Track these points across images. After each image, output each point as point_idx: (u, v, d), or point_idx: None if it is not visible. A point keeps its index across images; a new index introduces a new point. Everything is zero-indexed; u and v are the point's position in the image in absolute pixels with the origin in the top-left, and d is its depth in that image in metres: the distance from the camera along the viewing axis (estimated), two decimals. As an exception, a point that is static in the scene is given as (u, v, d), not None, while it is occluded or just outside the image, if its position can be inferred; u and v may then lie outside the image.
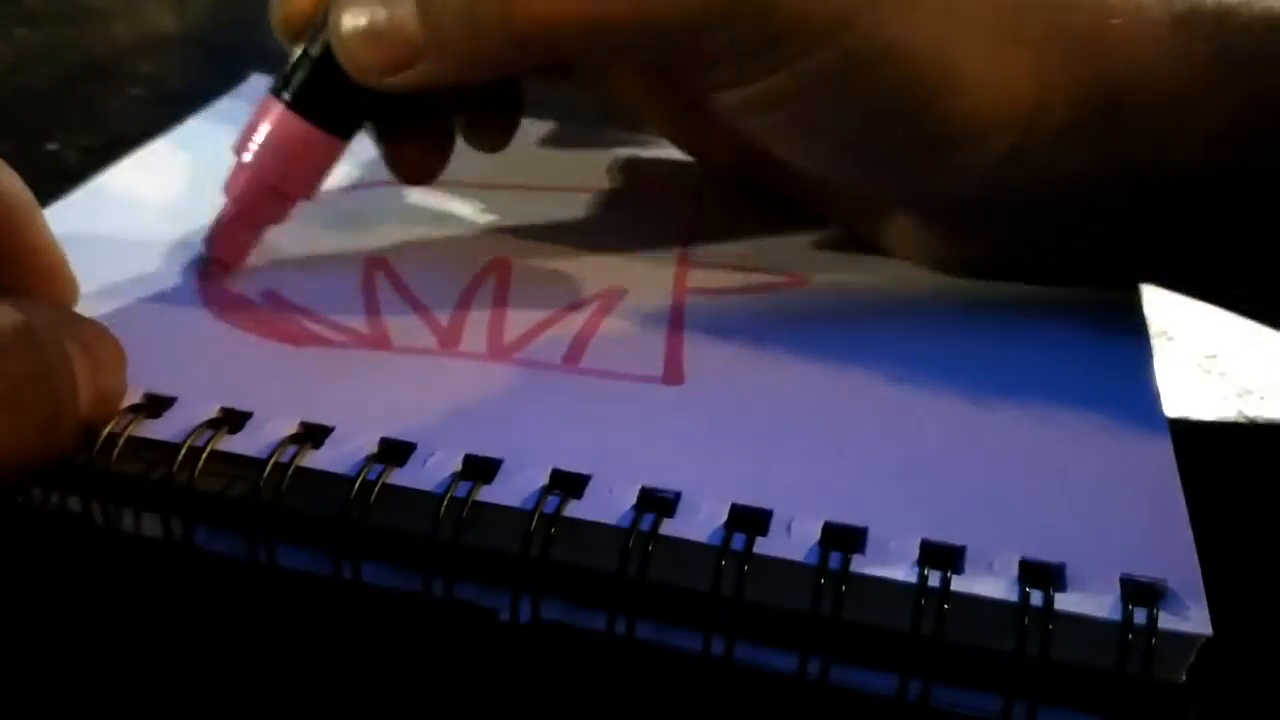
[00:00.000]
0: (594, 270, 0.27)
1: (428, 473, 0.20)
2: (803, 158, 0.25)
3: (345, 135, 0.25)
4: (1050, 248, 0.26)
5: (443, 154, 0.27)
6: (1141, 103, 0.22)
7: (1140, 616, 0.18)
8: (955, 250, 0.27)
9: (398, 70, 0.22)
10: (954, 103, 0.22)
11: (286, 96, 0.24)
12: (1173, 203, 0.23)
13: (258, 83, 0.37)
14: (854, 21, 0.21)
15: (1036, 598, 0.18)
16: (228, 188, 0.25)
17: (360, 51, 0.23)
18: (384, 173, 0.32)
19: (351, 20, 0.22)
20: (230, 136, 0.33)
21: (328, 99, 0.24)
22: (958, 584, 0.18)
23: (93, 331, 0.21)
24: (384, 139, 0.27)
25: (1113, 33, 0.22)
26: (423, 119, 0.27)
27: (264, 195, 0.25)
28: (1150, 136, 0.22)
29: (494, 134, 0.28)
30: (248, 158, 0.25)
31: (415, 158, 0.27)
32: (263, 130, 0.24)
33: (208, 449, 0.20)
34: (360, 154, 0.33)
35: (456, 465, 0.20)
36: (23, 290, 0.22)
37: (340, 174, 0.31)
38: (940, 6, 0.22)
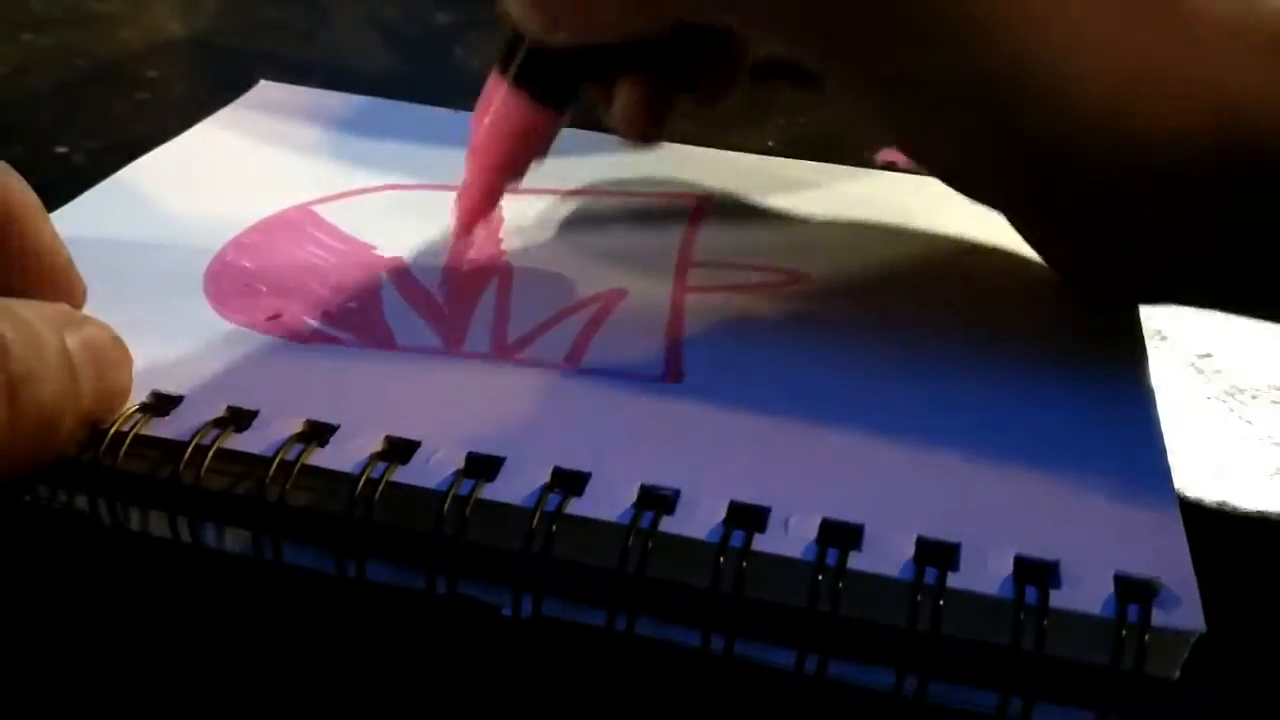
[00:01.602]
0: (595, 270, 0.28)
1: (431, 470, 0.20)
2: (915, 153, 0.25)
3: (560, 105, 0.27)
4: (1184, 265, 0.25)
5: (660, 113, 0.28)
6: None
7: (1134, 613, 0.18)
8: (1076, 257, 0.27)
9: (556, 29, 0.24)
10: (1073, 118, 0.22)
11: (511, 78, 0.27)
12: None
13: (266, 88, 0.38)
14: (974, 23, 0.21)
15: (1031, 594, 0.18)
16: (471, 154, 0.27)
17: (520, 14, 0.25)
18: (389, 177, 0.32)
19: None
20: (239, 142, 0.33)
21: (535, 74, 0.26)
22: (953, 580, 0.18)
23: (97, 331, 0.21)
24: (603, 100, 0.28)
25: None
26: (639, 81, 0.27)
27: (499, 159, 0.27)
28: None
29: (709, 92, 0.28)
30: (483, 129, 0.27)
31: (636, 116, 0.28)
32: (493, 108, 0.27)
33: (214, 447, 0.20)
34: (363, 158, 0.33)
35: (459, 463, 0.20)
36: (29, 292, 0.22)
37: (344, 179, 0.32)
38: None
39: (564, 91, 0.27)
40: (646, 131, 0.28)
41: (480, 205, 0.28)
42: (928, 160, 0.25)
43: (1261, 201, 0.22)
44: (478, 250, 0.29)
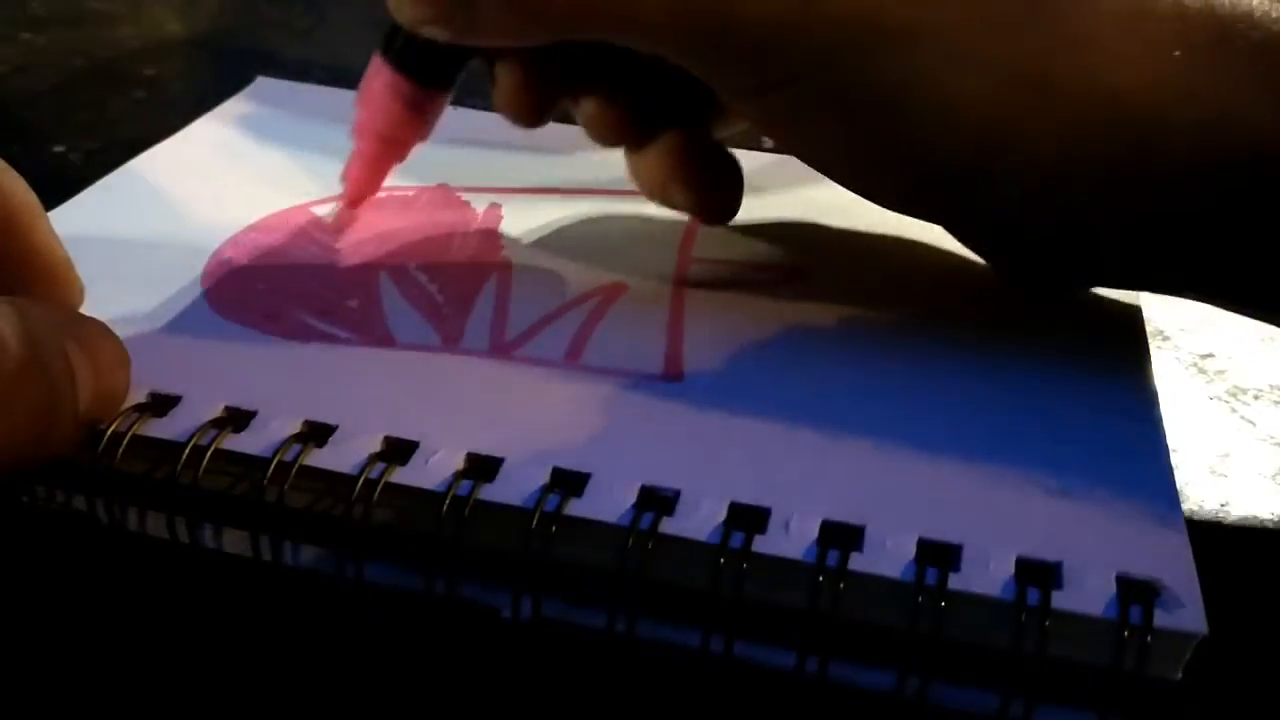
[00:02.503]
0: (595, 268, 0.28)
1: (430, 471, 0.20)
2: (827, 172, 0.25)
3: (436, 84, 0.27)
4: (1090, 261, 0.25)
5: (540, 100, 0.28)
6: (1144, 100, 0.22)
7: (1136, 614, 0.18)
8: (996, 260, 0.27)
9: (434, 25, 0.24)
10: (957, 144, 0.22)
11: (390, 59, 0.27)
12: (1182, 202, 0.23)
13: (264, 86, 0.37)
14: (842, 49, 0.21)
15: (1033, 596, 0.18)
16: (354, 133, 0.28)
17: (398, 7, 0.24)
18: (385, 181, 0.32)
19: None
20: (236, 140, 0.33)
21: (414, 55, 0.27)
22: (955, 582, 0.18)
23: (94, 331, 0.21)
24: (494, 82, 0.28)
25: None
26: (514, 66, 0.27)
27: (379, 140, 0.28)
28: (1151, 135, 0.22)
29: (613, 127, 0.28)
30: (362, 109, 0.28)
31: (514, 100, 0.27)
32: (372, 89, 0.27)
33: (212, 448, 0.20)
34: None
35: (458, 464, 0.20)
36: (26, 292, 0.22)
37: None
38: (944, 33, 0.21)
39: (443, 73, 0.27)
40: (526, 116, 0.27)
41: (365, 183, 0.29)
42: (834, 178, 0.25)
43: (1162, 187, 0.22)
44: (477, 249, 0.29)
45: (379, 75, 0.27)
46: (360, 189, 0.29)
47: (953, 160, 0.22)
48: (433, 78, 0.27)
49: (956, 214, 0.25)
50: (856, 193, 0.25)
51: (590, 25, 0.23)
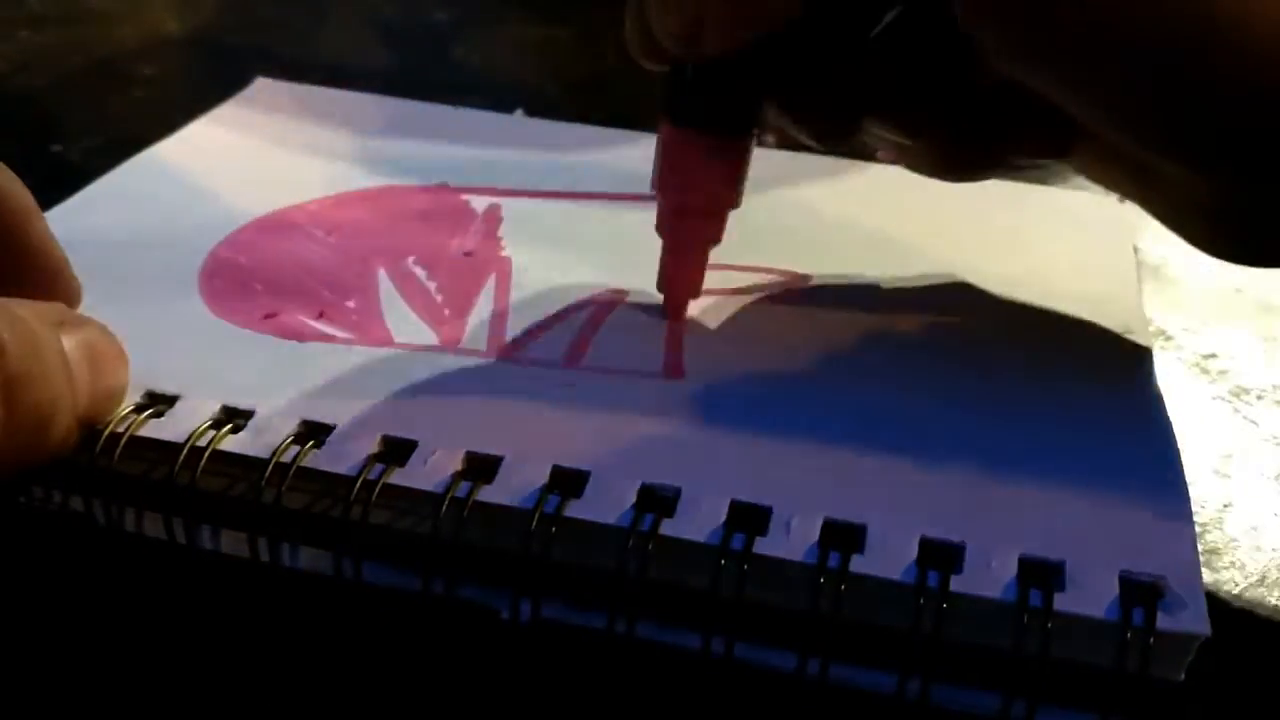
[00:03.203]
0: (595, 269, 0.28)
1: (428, 472, 0.20)
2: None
3: (736, 132, 0.24)
4: None
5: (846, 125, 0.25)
6: None
7: (1139, 616, 0.18)
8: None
9: (695, 40, 0.22)
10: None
11: (670, 117, 0.24)
12: None
13: (263, 86, 0.37)
14: None
15: (1035, 597, 0.18)
16: (659, 227, 0.25)
17: (661, 23, 0.22)
18: (387, 175, 0.32)
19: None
20: (235, 139, 0.33)
21: (700, 102, 0.24)
22: (957, 583, 0.18)
23: (92, 331, 0.21)
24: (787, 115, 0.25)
25: None
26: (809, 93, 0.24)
27: (691, 221, 0.25)
28: None
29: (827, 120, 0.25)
30: (663, 192, 0.25)
31: (818, 127, 0.25)
32: (663, 157, 0.24)
33: (210, 448, 0.20)
34: (361, 155, 0.33)
35: (457, 464, 0.20)
36: (24, 292, 0.22)
37: (341, 176, 0.32)
38: None
39: (743, 112, 0.24)
40: (832, 140, 0.25)
41: (692, 278, 0.25)
42: (1094, 117, 0.22)
43: None
44: (477, 250, 0.28)
45: (675, 144, 0.24)
46: (687, 286, 0.25)
47: (1251, 87, 0.20)
48: (733, 120, 0.24)
49: (1223, 154, 0.21)
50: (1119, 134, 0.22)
51: None
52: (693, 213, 0.25)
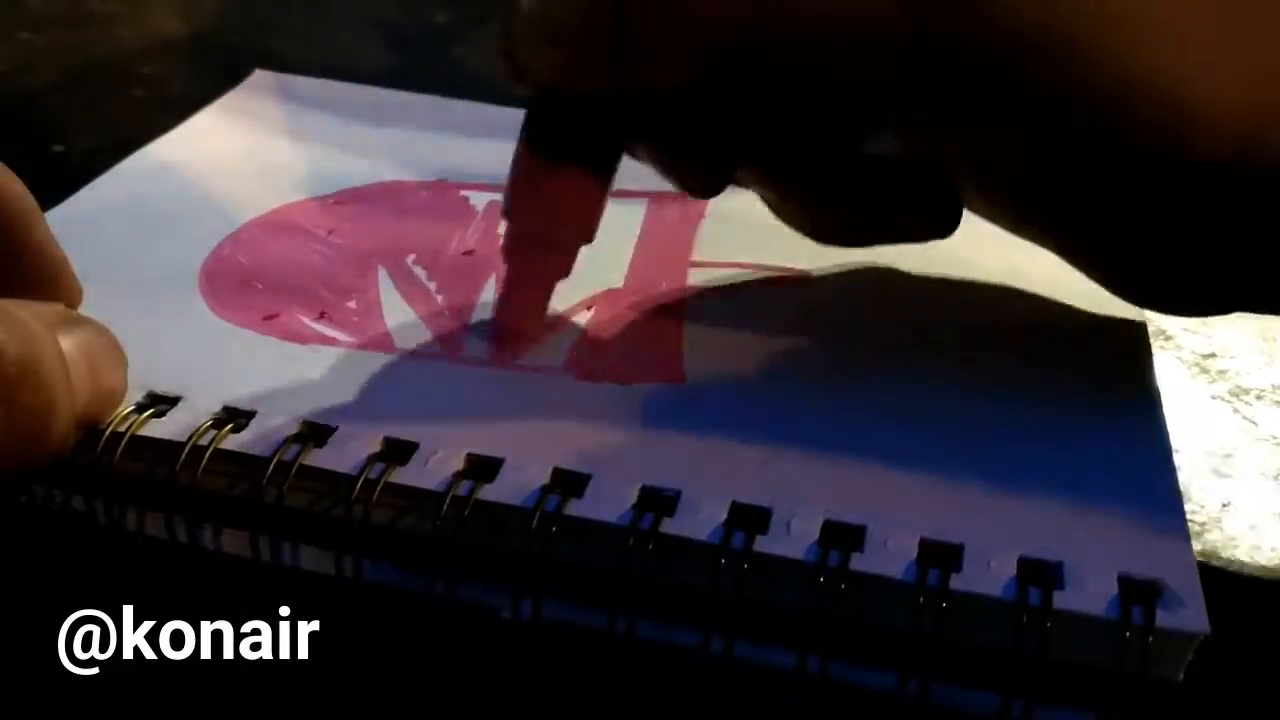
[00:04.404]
0: (595, 269, 0.28)
1: (429, 472, 0.20)
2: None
3: (597, 166, 0.23)
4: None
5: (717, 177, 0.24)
6: None
7: (1138, 615, 0.18)
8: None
9: (564, 78, 0.21)
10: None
11: (529, 142, 0.23)
12: None
13: (261, 79, 0.37)
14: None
15: (1034, 596, 0.18)
16: (503, 252, 0.24)
17: (532, 54, 0.22)
18: (388, 169, 0.32)
19: (518, 23, 0.21)
20: (235, 135, 0.33)
21: (563, 134, 0.23)
22: (956, 582, 0.18)
23: (91, 332, 0.21)
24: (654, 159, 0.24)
25: None
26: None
27: (538, 249, 0.24)
28: None
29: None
30: (513, 218, 0.23)
31: (686, 175, 0.24)
32: (516, 182, 0.23)
33: (211, 448, 0.20)
34: (362, 150, 0.33)
35: (458, 464, 0.20)
36: (24, 292, 0.22)
37: (342, 172, 0.32)
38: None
39: (607, 149, 0.23)
40: (701, 189, 0.24)
41: (531, 307, 0.24)
42: (993, 188, 0.23)
43: None
44: (478, 248, 0.29)
45: (530, 169, 0.23)
46: (526, 314, 0.24)
47: (1175, 162, 0.20)
48: (596, 155, 0.23)
49: (1130, 220, 0.21)
50: (1014, 211, 0.23)
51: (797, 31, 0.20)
52: (542, 243, 0.24)
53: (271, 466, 0.20)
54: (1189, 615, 0.18)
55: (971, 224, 0.31)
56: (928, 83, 0.21)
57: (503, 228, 0.24)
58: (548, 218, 0.23)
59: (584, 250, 0.29)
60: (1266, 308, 0.24)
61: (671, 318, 0.26)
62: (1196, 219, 0.21)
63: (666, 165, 0.23)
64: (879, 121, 0.22)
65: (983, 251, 0.29)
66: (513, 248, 0.24)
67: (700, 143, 0.23)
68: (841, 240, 0.25)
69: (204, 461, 0.20)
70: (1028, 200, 0.22)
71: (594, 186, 0.23)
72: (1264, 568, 0.23)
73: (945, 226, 0.24)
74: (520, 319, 0.24)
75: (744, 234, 0.30)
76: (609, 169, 0.23)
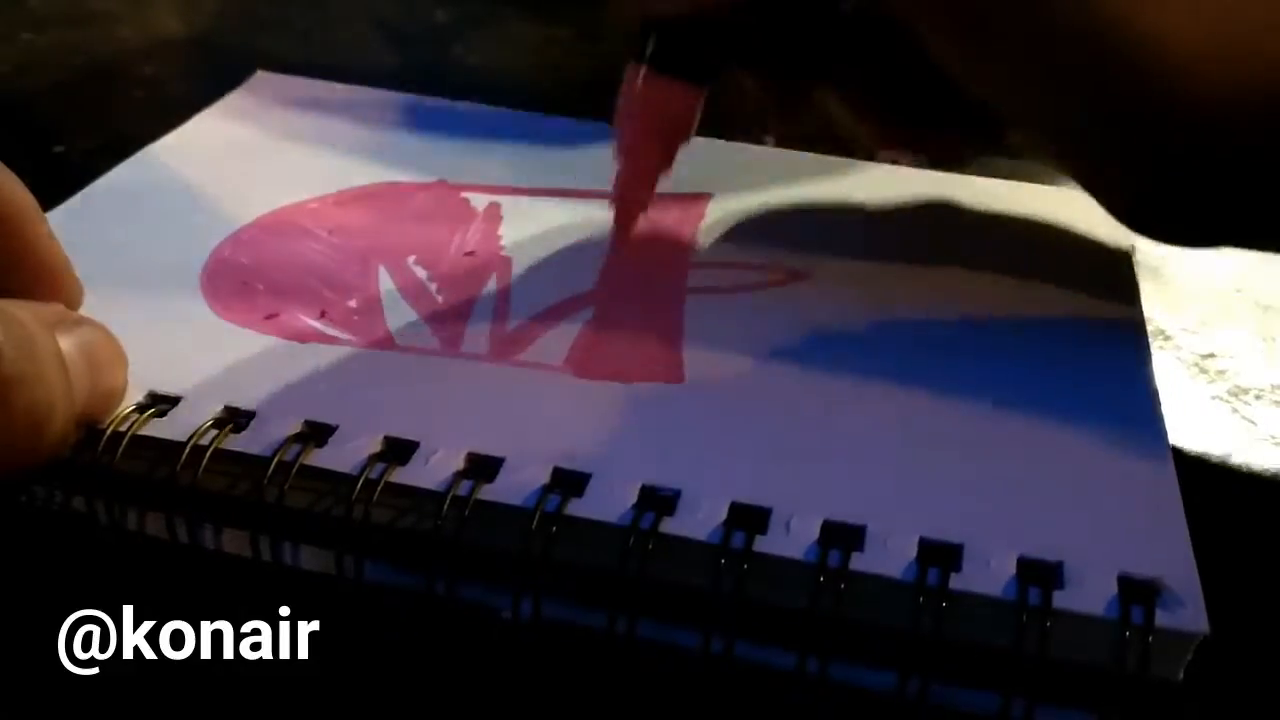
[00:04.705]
0: (595, 270, 0.28)
1: (430, 471, 0.20)
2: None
3: (697, 80, 0.27)
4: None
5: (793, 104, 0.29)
6: None
7: (1137, 615, 0.18)
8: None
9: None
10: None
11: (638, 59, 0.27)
12: None
13: (262, 80, 0.37)
14: None
15: (1034, 595, 0.18)
16: (617, 152, 0.28)
17: None
18: (389, 170, 0.32)
19: None
20: (235, 136, 0.33)
21: (667, 49, 0.27)
22: (956, 582, 0.18)
23: (91, 332, 0.21)
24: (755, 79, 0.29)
25: None
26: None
27: (647, 146, 0.28)
28: None
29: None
30: (625, 121, 0.28)
31: (773, 88, 0.29)
32: (628, 93, 0.27)
33: (211, 448, 0.20)
34: (362, 151, 0.33)
35: (459, 464, 0.20)
36: (25, 293, 0.22)
37: (342, 172, 0.32)
38: None
39: (702, 65, 0.27)
40: (785, 104, 0.28)
41: (639, 197, 0.28)
42: (998, 100, 0.25)
43: None
44: (477, 249, 0.29)
45: (640, 82, 0.27)
46: (634, 204, 0.29)
47: (1144, 97, 0.22)
48: (694, 71, 0.27)
49: (1117, 149, 0.23)
50: (1023, 125, 0.25)
51: None
52: (651, 137, 0.28)
53: (272, 466, 0.20)
54: (1189, 615, 0.18)
55: (971, 224, 0.31)
56: (946, 26, 0.23)
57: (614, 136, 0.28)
58: (656, 120, 0.28)
59: (585, 250, 0.29)
60: (1259, 242, 0.26)
61: (671, 317, 0.26)
62: (1186, 155, 0.22)
63: (756, 77, 0.28)
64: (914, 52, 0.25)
65: (983, 255, 0.29)
66: (626, 147, 0.28)
67: (776, 61, 0.28)
68: (900, 141, 0.30)
69: (204, 461, 0.20)
70: (1044, 131, 0.24)
71: (692, 95, 0.27)
72: (1264, 568, 0.23)
73: (991, 138, 0.29)
74: (634, 203, 0.29)
75: (744, 234, 0.30)
76: (705, 81, 0.27)
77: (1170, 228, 0.25)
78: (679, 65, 0.27)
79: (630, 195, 0.29)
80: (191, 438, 0.20)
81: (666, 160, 0.28)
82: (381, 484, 0.20)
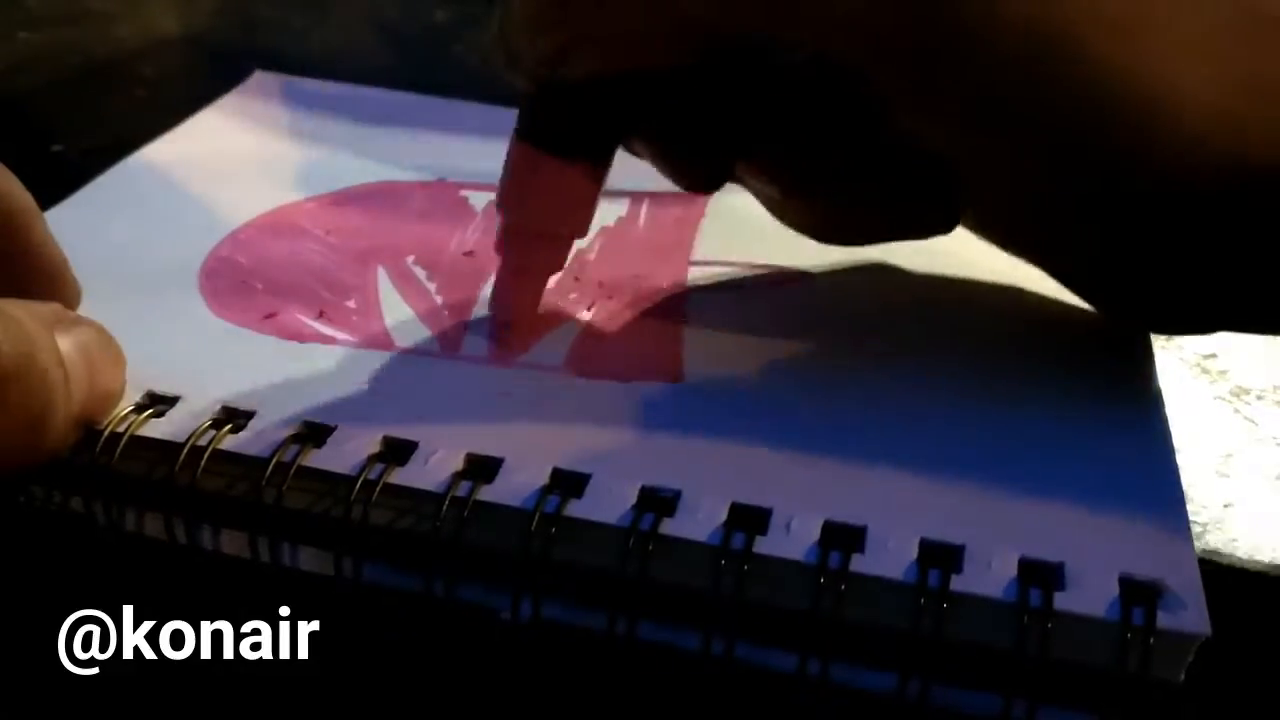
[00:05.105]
0: (594, 269, 0.28)
1: (429, 472, 0.20)
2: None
3: (592, 159, 0.23)
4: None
5: (716, 171, 0.24)
6: None
7: (1139, 616, 0.18)
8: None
9: (557, 63, 0.21)
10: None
11: (522, 134, 0.23)
12: None
13: (262, 79, 0.37)
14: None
15: (1035, 597, 0.18)
16: (497, 246, 0.24)
17: (527, 43, 0.21)
18: (387, 170, 0.32)
19: (513, 12, 0.21)
20: (234, 135, 0.33)
21: (558, 125, 0.23)
22: (957, 583, 0.18)
23: (89, 331, 0.21)
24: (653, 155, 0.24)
25: None
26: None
27: (532, 243, 0.24)
28: None
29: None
30: (506, 210, 0.23)
31: (684, 169, 0.24)
32: (510, 175, 0.23)
33: (210, 448, 0.20)
34: (361, 150, 0.33)
35: (458, 464, 0.20)
36: (23, 293, 0.22)
37: (341, 172, 0.32)
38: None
39: (608, 138, 0.23)
40: (700, 184, 0.24)
41: (527, 299, 0.24)
42: (983, 202, 0.23)
43: None
44: (477, 249, 0.28)
45: (524, 162, 0.23)
46: (520, 308, 0.24)
47: (1155, 167, 0.20)
48: (590, 147, 0.23)
49: (1112, 226, 0.21)
50: (1000, 222, 0.23)
51: (760, 18, 0.20)
52: (535, 236, 0.24)
53: (270, 467, 0.20)
54: (1190, 616, 0.18)
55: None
56: (919, 78, 0.20)
57: (497, 222, 0.24)
58: (542, 211, 0.23)
59: (586, 249, 0.29)
60: (1257, 327, 0.24)
61: (671, 317, 0.26)
62: (1183, 231, 0.21)
63: (664, 159, 0.23)
64: (871, 113, 0.22)
65: (983, 252, 0.29)
66: (507, 241, 0.24)
67: (697, 134, 0.23)
68: (842, 239, 0.25)
69: (203, 462, 0.20)
70: (1021, 208, 0.22)
71: (588, 180, 0.23)
72: (1266, 568, 0.23)
73: (946, 221, 0.24)
74: (515, 313, 0.24)
75: (744, 234, 0.30)
76: (603, 162, 0.23)
77: (1167, 313, 0.24)
78: (581, 141, 0.22)
79: (509, 301, 0.24)
80: (190, 438, 0.20)
81: (556, 258, 0.24)
82: (380, 485, 0.20)
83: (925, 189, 0.23)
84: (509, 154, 0.23)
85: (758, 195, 0.25)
